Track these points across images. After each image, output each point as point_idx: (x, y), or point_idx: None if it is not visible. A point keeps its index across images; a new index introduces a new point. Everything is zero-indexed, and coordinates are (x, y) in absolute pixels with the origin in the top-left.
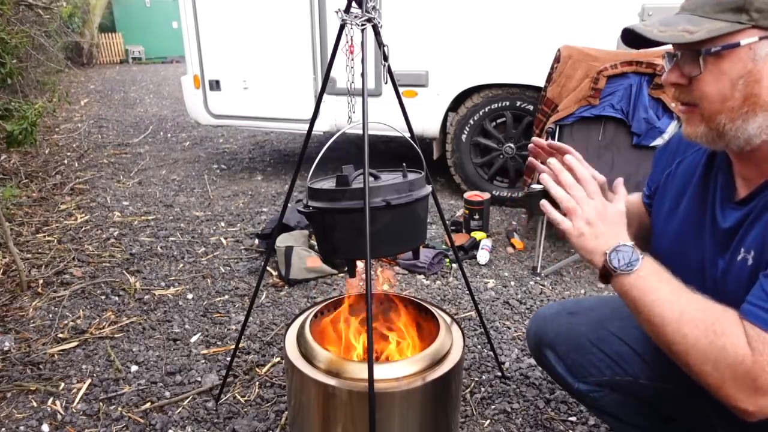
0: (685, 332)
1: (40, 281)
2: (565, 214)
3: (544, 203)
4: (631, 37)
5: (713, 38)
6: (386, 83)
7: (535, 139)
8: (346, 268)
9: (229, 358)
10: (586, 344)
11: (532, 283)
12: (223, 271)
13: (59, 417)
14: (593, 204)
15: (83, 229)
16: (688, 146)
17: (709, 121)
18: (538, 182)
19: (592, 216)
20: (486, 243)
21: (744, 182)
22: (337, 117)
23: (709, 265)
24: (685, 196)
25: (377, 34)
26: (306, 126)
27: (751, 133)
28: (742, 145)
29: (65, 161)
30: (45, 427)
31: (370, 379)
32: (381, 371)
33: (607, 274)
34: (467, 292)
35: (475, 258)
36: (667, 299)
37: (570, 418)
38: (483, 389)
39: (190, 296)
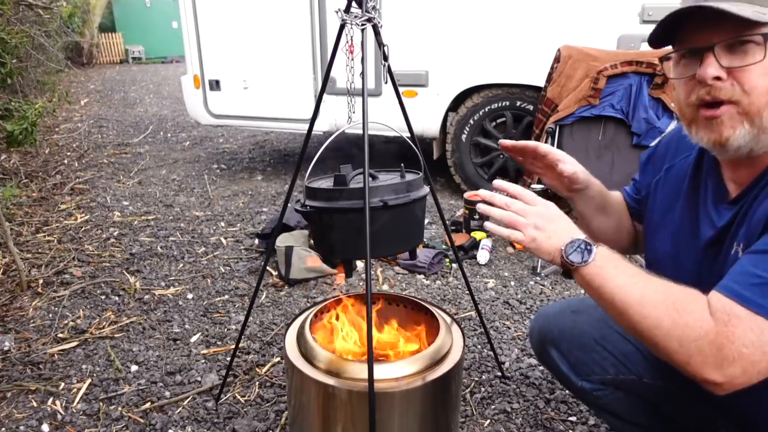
0: (646, 313)
1: (40, 281)
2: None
3: (488, 225)
4: (699, 17)
5: None
6: (386, 83)
7: (501, 142)
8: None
9: (229, 358)
10: (591, 342)
11: (532, 283)
12: (223, 271)
13: (59, 417)
14: (535, 210)
15: (83, 229)
16: (676, 152)
17: (755, 117)
18: (539, 182)
19: (538, 221)
20: (486, 243)
21: (735, 184)
22: (337, 117)
23: (705, 266)
24: (678, 201)
25: (377, 34)
26: (306, 126)
27: None
28: (765, 146)
29: (65, 161)
30: (45, 427)
31: (370, 379)
32: (381, 371)
33: (567, 271)
34: (467, 292)
35: (475, 258)
36: (627, 283)
37: (570, 418)
38: (483, 389)
39: (190, 296)
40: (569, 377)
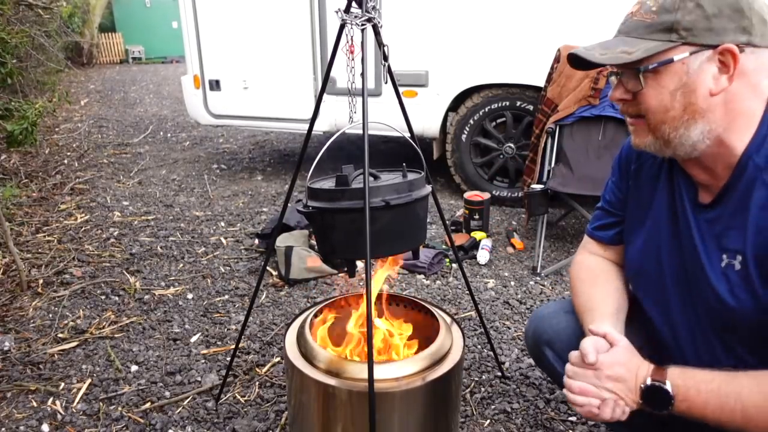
0: (757, 421)
1: (40, 281)
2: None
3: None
4: (576, 61)
5: (650, 56)
6: (386, 83)
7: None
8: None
9: (229, 358)
10: None
11: (532, 283)
12: (223, 271)
13: (59, 417)
14: (602, 378)
15: (83, 229)
16: (641, 152)
17: (655, 131)
18: (538, 182)
19: (611, 388)
20: (486, 243)
21: (704, 188)
22: (337, 117)
23: (689, 266)
24: (653, 201)
25: (377, 34)
26: (306, 126)
27: (695, 139)
28: (689, 151)
29: (65, 161)
30: (45, 427)
31: (370, 379)
32: (381, 371)
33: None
34: (467, 292)
35: (475, 258)
36: (721, 404)
37: (570, 418)
38: (483, 389)
39: (190, 296)
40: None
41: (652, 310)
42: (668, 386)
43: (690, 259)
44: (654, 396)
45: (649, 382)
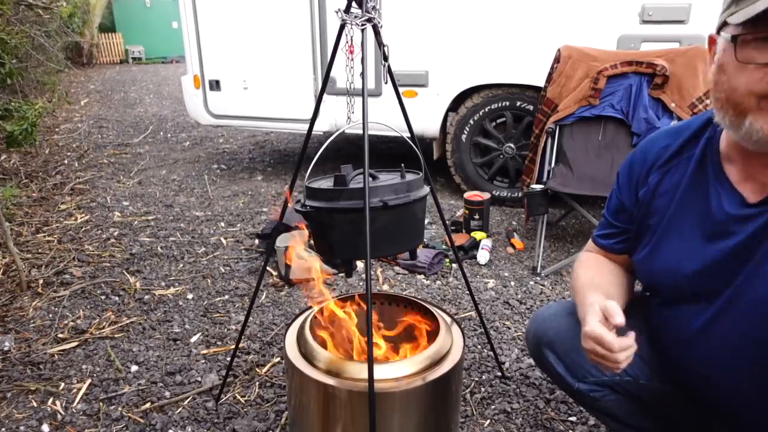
0: None
1: (40, 281)
2: None
3: None
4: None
5: None
6: (386, 83)
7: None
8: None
9: (229, 358)
10: None
11: (532, 283)
12: (223, 271)
13: (59, 417)
14: None
15: (83, 229)
16: (656, 162)
17: None
18: (538, 182)
19: None
20: (486, 243)
21: (752, 186)
22: (337, 117)
23: (724, 270)
24: (682, 210)
25: (377, 34)
26: (306, 126)
27: None
28: None
29: (65, 161)
30: (45, 427)
31: (370, 379)
32: (381, 371)
33: None
34: (467, 292)
35: (475, 258)
36: None
37: (570, 418)
38: (483, 389)
39: (190, 296)
40: (565, 379)
41: (669, 321)
42: None
43: (739, 263)
44: None
45: None
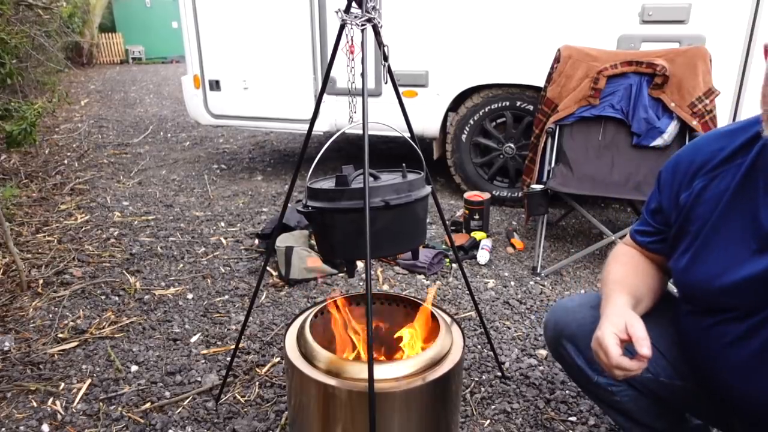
0: None
1: (40, 281)
2: None
3: None
4: None
5: None
6: (386, 83)
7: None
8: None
9: (229, 358)
10: None
11: (532, 283)
12: (223, 271)
13: (59, 417)
14: None
15: (83, 229)
16: (711, 165)
17: None
18: (538, 182)
19: None
20: (486, 243)
21: None
22: (337, 117)
23: None
24: (728, 218)
25: (377, 34)
26: (306, 126)
27: None
28: None
29: (65, 161)
30: (45, 427)
31: (370, 379)
32: (381, 371)
33: None
34: (467, 292)
35: (475, 258)
36: None
37: (570, 418)
38: (483, 389)
39: (190, 296)
40: (585, 372)
41: (701, 330)
42: None
43: None
44: None
45: None
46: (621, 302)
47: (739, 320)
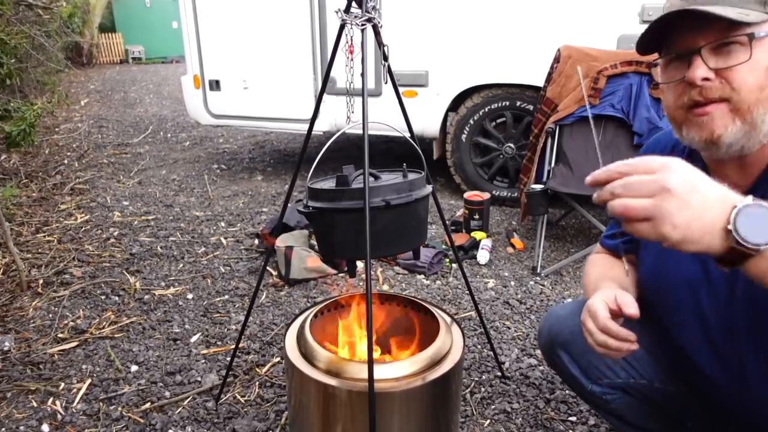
0: None
1: (40, 281)
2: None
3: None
4: (684, 21)
5: (759, 23)
6: (386, 83)
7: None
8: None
9: (229, 358)
10: None
11: (532, 283)
12: (223, 271)
13: (59, 417)
14: (658, 178)
15: (83, 229)
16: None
17: (745, 114)
18: (538, 182)
19: (671, 192)
20: (486, 243)
21: (731, 187)
22: (337, 117)
23: (712, 273)
24: None
25: (377, 34)
26: (306, 126)
27: None
28: (759, 141)
29: (65, 161)
30: (45, 427)
31: (370, 379)
32: (381, 371)
33: (739, 257)
34: (467, 292)
35: (475, 258)
36: None
37: (570, 418)
38: (483, 389)
39: (190, 296)
40: (579, 380)
41: (672, 327)
42: None
43: (707, 265)
44: (751, 218)
45: (746, 199)
46: (609, 285)
47: (688, 309)
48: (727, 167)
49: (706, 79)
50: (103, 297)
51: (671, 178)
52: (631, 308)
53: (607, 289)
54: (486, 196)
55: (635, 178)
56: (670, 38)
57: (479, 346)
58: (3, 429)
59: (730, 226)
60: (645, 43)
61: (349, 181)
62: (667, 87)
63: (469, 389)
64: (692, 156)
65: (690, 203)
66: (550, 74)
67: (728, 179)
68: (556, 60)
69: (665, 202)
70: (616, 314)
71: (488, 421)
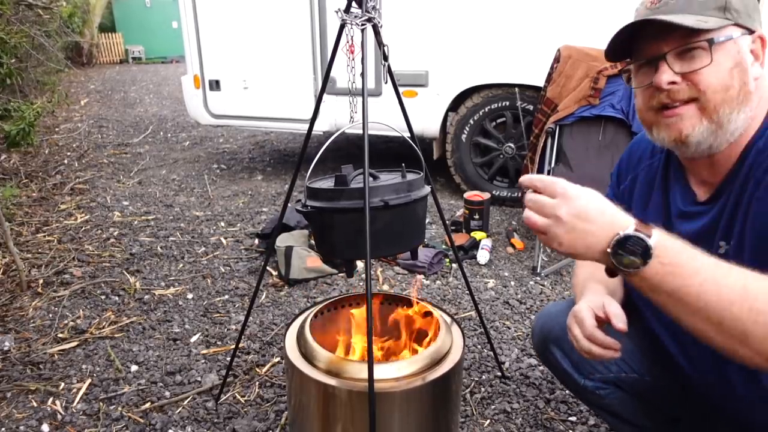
0: (759, 308)
1: (40, 281)
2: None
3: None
4: (649, 29)
5: (717, 29)
6: (386, 83)
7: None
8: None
9: (229, 358)
10: None
11: (532, 283)
12: (223, 271)
13: (59, 417)
14: (556, 203)
15: (83, 229)
16: (638, 162)
17: (712, 114)
18: None
19: (565, 217)
20: (486, 243)
21: (702, 184)
22: (337, 117)
23: None
24: (648, 208)
25: (377, 34)
26: (306, 126)
27: (740, 124)
28: (727, 139)
29: (65, 161)
30: (45, 427)
31: (370, 379)
32: (381, 371)
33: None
34: (467, 292)
35: (475, 258)
36: (719, 276)
37: (570, 418)
38: (483, 389)
39: (190, 296)
40: (571, 375)
41: (654, 325)
42: (652, 240)
43: None
44: (626, 245)
45: (627, 228)
46: (597, 288)
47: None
48: (699, 165)
49: (673, 83)
50: (103, 297)
51: (562, 209)
52: (620, 322)
53: (595, 294)
54: (486, 196)
55: (541, 198)
56: (638, 45)
57: (479, 346)
58: (3, 429)
59: (609, 250)
60: (614, 51)
61: (348, 181)
62: (638, 91)
63: (469, 389)
64: (670, 155)
65: (575, 229)
66: (550, 74)
67: (700, 176)
68: (556, 60)
69: (554, 227)
70: (603, 321)
71: (488, 421)
